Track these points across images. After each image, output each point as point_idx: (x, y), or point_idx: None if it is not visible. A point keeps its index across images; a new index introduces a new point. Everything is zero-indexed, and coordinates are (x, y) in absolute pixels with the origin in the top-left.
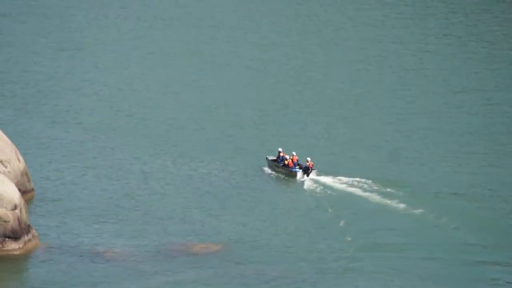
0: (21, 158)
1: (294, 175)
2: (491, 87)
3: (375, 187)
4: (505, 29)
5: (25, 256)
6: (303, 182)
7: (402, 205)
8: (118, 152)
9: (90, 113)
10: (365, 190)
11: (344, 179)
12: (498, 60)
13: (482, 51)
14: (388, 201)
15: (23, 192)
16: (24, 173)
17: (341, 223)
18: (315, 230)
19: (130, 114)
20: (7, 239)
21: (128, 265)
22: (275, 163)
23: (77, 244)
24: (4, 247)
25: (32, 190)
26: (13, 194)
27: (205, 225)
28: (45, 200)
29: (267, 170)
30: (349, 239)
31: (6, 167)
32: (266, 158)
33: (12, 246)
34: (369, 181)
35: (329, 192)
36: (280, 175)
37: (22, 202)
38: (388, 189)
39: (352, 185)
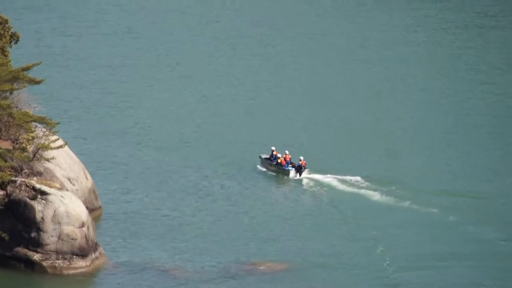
0: (88, 176)
1: (287, 173)
2: (496, 82)
3: (373, 185)
4: None
5: (92, 274)
6: (304, 185)
7: (403, 202)
8: (185, 171)
9: (158, 133)
10: (361, 188)
11: (337, 177)
12: (498, 55)
13: (483, 49)
14: (394, 199)
15: (91, 210)
16: (92, 191)
17: (364, 227)
18: (363, 244)
19: (197, 134)
20: (74, 256)
21: (194, 284)
22: (268, 161)
23: (143, 262)
24: (71, 265)
25: (100, 208)
26: (81, 212)
27: (269, 244)
28: (113, 218)
29: (260, 168)
30: (383, 249)
31: (74, 185)
32: (260, 157)
33: (80, 264)
34: (362, 179)
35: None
36: (272, 173)
37: (90, 219)
38: (386, 187)
39: (347, 184)
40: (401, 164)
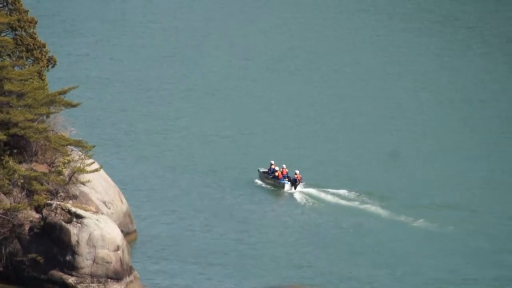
0: (124, 200)
1: (282, 186)
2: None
3: (368, 199)
4: None
5: None
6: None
7: (399, 215)
8: (219, 195)
9: (194, 157)
10: (356, 201)
11: (332, 191)
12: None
13: (491, 63)
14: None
15: (126, 233)
16: (127, 215)
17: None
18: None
19: (231, 158)
20: (109, 280)
21: None
22: (266, 174)
23: (177, 286)
24: None
25: (135, 231)
26: (116, 235)
27: (305, 266)
28: (147, 242)
29: (257, 182)
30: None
31: (109, 208)
32: (258, 170)
33: (114, 287)
34: (357, 193)
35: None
36: (269, 186)
37: (125, 243)
38: (381, 201)
39: (343, 198)
40: (397, 178)
